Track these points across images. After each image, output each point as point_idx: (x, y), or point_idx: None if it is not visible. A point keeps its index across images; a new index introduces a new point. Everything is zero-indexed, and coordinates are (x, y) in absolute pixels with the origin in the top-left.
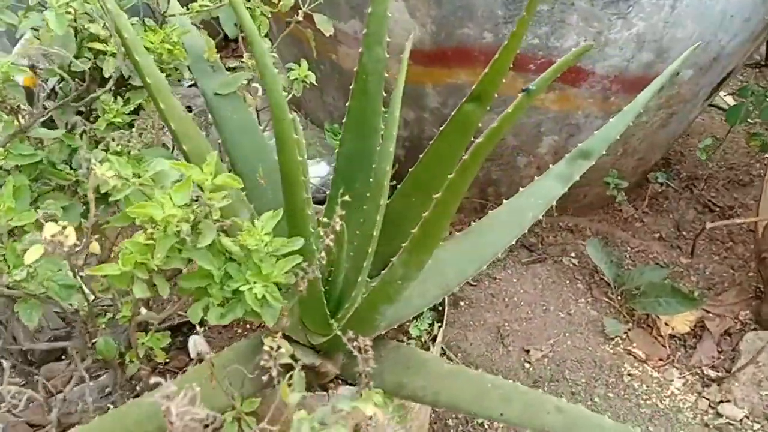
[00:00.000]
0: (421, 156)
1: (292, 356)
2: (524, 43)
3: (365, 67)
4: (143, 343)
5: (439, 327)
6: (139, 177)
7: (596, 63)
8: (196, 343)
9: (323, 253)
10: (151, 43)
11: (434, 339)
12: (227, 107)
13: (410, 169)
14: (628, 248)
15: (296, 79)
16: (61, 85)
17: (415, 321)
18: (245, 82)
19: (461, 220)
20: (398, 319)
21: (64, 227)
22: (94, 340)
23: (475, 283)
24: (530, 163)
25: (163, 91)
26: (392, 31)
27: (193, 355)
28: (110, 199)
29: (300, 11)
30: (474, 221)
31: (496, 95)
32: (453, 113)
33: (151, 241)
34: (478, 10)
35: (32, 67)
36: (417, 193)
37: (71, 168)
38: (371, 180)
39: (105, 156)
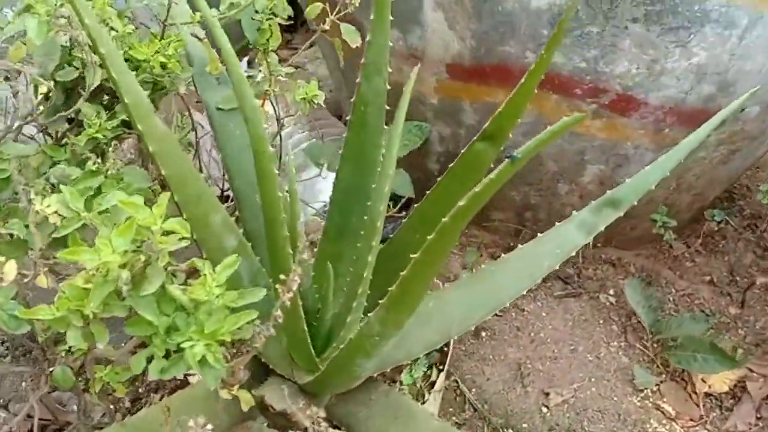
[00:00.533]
0: (428, 192)
1: (261, 402)
2: (570, 65)
3: (364, 98)
4: (101, 378)
5: (440, 371)
6: (89, 211)
7: (649, 93)
8: None
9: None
10: (144, 55)
11: (432, 384)
12: (230, 123)
13: (416, 205)
14: (673, 290)
15: (303, 98)
16: (50, 94)
17: (409, 367)
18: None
19: (495, 242)
20: (391, 362)
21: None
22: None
23: (500, 314)
24: (572, 191)
25: (143, 111)
26: (429, 41)
27: None
28: (53, 235)
29: (327, 20)
30: (510, 244)
31: (537, 117)
32: (463, 151)
33: (89, 285)
34: (521, 28)
35: (6, 78)
36: (422, 228)
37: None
38: (365, 218)
39: (43, 187)
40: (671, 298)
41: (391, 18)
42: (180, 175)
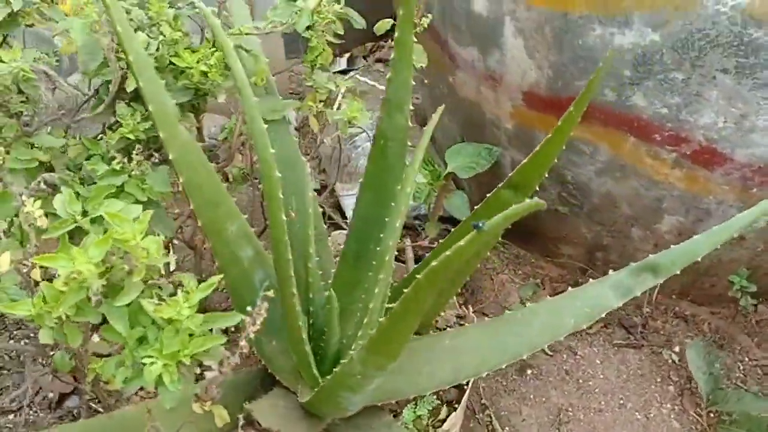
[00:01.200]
0: (453, 229)
1: (247, 417)
2: (651, 109)
3: (384, 133)
4: (93, 369)
5: (453, 409)
6: (85, 215)
7: (736, 148)
8: None
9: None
10: (186, 63)
11: (441, 422)
12: (271, 132)
13: (442, 241)
14: (746, 359)
15: (341, 118)
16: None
17: (414, 402)
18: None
19: (562, 276)
20: (398, 395)
21: None
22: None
23: (551, 354)
24: (646, 238)
25: (166, 118)
26: (508, 66)
27: None
28: (44, 236)
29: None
30: (577, 280)
31: (613, 157)
32: (489, 195)
33: (65, 288)
34: (601, 64)
35: (46, 73)
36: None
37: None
38: (378, 249)
39: (37, 187)
40: (741, 367)
41: (471, 35)
42: (197, 183)
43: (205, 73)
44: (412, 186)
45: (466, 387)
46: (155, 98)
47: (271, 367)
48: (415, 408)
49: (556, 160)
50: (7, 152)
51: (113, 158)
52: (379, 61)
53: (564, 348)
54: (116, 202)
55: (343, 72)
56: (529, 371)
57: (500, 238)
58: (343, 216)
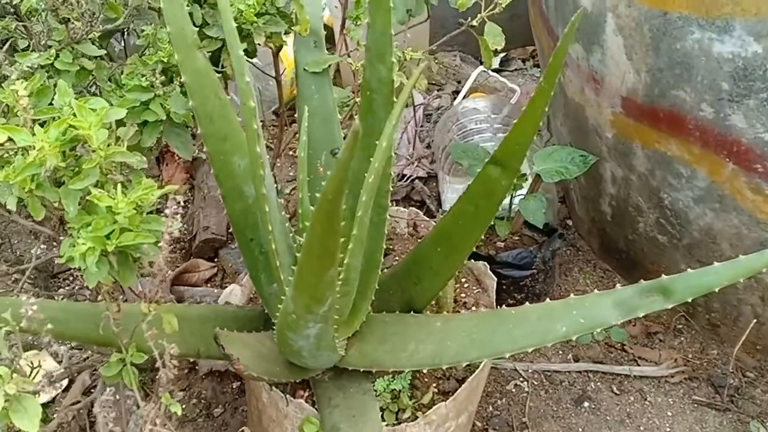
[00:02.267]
0: (451, 206)
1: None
2: (752, 132)
3: (368, 84)
4: None
5: (443, 400)
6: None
7: None
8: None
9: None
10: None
11: (420, 408)
12: (312, 85)
13: (436, 221)
14: None
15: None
16: None
17: (392, 375)
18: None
19: (658, 317)
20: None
21: None
22: None
23: (618, 392)
24: (751, 288)
25: (184, 42)
26: (608, 67)
27: None
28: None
29: (479, 15)
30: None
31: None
32: (478, 171)
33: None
34: (698, 74)
35: None
36: (441, 244)
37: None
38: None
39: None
40: None
41: (577, 30)
42: (207, 112)
43: (241, 11)
44: (389, 140)
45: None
46: (174, 21)
47: (268, 310)
48: (390, 382)
49: (653, 181)
50: (57, 56)
51: (143, 75)
52: (537, 66)
53: (634, 389)
54: (100, 101)
55: (495, 71)
56: (586, 403)
57: (597, 260)
58: (439, 206)
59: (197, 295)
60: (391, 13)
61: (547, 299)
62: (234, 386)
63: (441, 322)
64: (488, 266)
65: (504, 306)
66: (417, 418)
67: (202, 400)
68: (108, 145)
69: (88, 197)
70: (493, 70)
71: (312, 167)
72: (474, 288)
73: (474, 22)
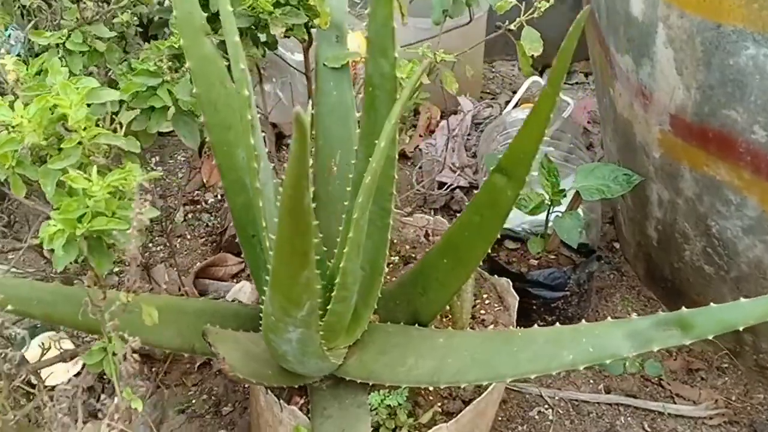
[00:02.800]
0: (455, 220)
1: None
2: None
3: (371, 79)
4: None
5: (440, 421)
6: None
7: None
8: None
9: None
10: None
11: (419, 427)
12: (331, 81)
13: (445, 232)
14: None
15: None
16: None
17: (388, 390)
18: None
19: (702, 353)
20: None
21: None
22: None
23: (649, 430)
24: None
25: (191, 27)
26: (657, 81)
27: None
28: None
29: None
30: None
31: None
32: (485, 179)
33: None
34: (751, 93)
35: None
36: (448, 254)
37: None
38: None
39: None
40: None
41: (628, 41)
42: (211, 100)
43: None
44: (388, 141)
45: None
46: (181, 5)
47: None
48: (385, 397)
49: (700, 207)
50: (68, 36)
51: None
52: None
53: (667, 429)
54: (92, 81)
55: None
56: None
57: (641, 287)
58: None
59: (221, 290)
60: (392, 3)
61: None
62: (245, 386)
63: (444, 338)
64: (511, 283)
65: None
66: None
67: (213, 397)
68: (90, 126)
69: (61, 178)
70: None
71: (325, 165)
72: (495, 305)
73: (512, 26)
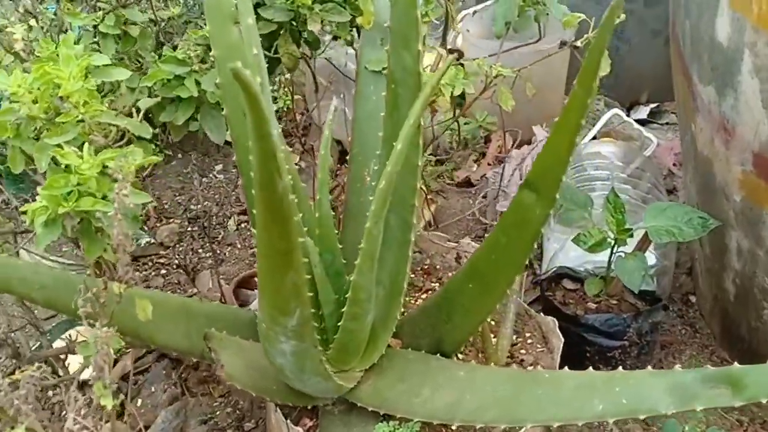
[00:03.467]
0: (482, 243)
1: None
2: None
3: (393, 75)
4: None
5: None
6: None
7: None
8: None
9: None
10: None
11: None
12: (371, 85)
13: (471, 256)
14: None
15: None
16: None
17: (399, 422)
18: None
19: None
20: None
21: None
22: None
23: None
24: None
25: (220, 14)
26: (741, 115)
27: None
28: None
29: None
30: None
31: None
32: (513, 197)
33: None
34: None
35: None
36: (474, 279)
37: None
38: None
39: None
40: None
41: (711, 69)
42: (233, 92)
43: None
44: (406, 143)
45: None
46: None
47: None
48: (396, 429)
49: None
50: (103, 18)
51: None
52: None
53: None
54: (103, 58)
55: (641, 122)
56: None
57: (716, 347)
58: (540, 254)
59: None
60: None
61: None
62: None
63: (465, 372)
64: (557, 323)
65: None
66: None
67: (237, 411)
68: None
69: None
70: (638, 121)
71: (360, 175)
72: (538, 346)
73: (579, 43)
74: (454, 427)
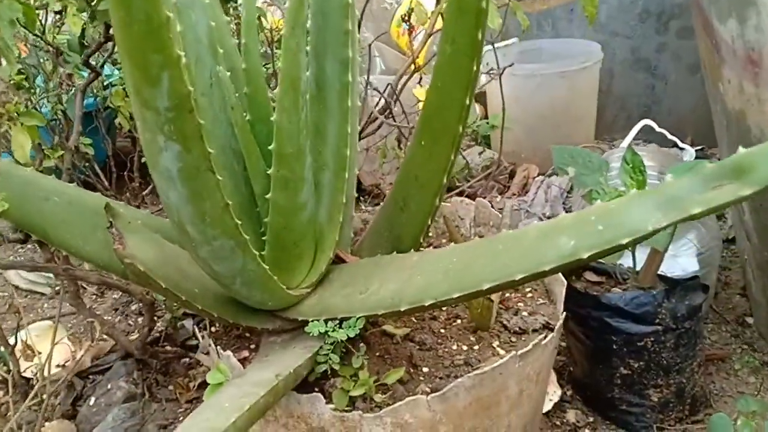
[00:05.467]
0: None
1: None
2: None
3: (448, 33)
4: None
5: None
6: None
7: None
8: None
9: None
10: None
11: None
12: None
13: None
14: None
15: None
16: None
17: (338, 321)
18: None
19: None
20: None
21: None
22: None
23: None
24: None
25: None
26: (765, 32)
27: None
28: None
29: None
30: None
31: None
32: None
33: None
34: None
35: None
36: (424, 135)
37: None
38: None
39: None
40: None
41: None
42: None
43: None
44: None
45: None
46: None
47: None
48: (334, 329)
49: None
50: None
51: None
52: None
53: None
54: None
55: None
56: None
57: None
58: None
59: None
60: None
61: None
62: None
63: (418, 257)
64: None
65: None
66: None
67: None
68: None
69: None
70: None
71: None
72: (540, 300)
73: None
74: (403, 309)
